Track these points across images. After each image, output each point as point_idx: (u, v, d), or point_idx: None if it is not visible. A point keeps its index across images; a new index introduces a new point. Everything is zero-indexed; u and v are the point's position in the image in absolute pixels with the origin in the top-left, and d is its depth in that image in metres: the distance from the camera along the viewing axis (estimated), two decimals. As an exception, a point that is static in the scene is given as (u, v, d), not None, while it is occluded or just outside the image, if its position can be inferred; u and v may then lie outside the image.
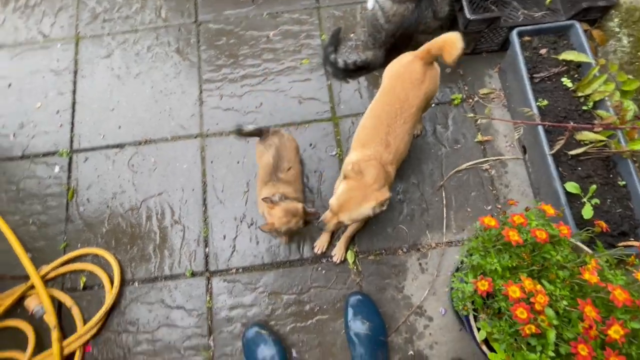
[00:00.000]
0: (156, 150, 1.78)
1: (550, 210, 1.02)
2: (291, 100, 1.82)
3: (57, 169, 1.78)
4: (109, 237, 1.68)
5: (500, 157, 1.69)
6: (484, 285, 0.99)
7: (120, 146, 1.80)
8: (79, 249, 1.65)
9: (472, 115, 1.75)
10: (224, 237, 1.65)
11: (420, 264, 1.57)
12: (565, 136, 1.35)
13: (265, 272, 1.59)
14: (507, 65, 1.72)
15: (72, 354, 1.51)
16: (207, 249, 1.64)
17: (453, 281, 1.13)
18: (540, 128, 1.41)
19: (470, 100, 1.79)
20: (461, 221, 1.61)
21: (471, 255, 1.08)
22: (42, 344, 1.53)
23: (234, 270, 1.60)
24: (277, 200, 1.31)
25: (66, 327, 1.56)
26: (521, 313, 0.92)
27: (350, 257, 1.56)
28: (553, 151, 1.37)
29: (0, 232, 1.67)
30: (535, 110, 1.43)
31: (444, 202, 1.64)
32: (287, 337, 1.51)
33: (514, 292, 0.93)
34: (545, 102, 1.47)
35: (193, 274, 1.60)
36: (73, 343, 1.51)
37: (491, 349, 1.07)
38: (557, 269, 0.99)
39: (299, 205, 1.33)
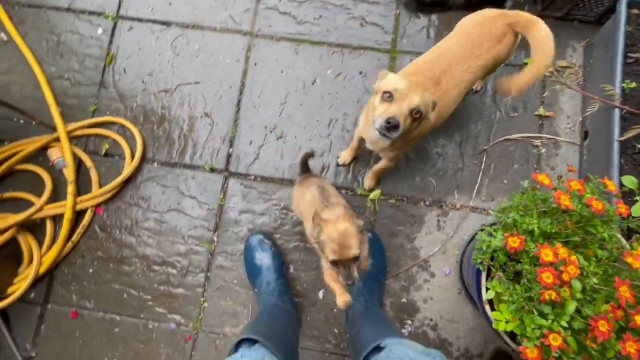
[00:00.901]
0: (202, 38, 1.70)
1: (612, 186, 0.93)
2: (352, 21, 1.69)
3: (100, 30, 1.73)
4: (138, 112, 1.65)
5: (556, 138, 1.56)
6: (515, 242, 0.93)
7: (167, 24, 1.72)
8: (108, 116, 1.64)
9: (554, 78, 1.60)
10: (250, 142, 1.61)
11: (438, 221, 1.52)
12: (642, 126, 1.22)
13: (283, 187, 1.57)
14: (599, 40, 1.53)
15: (83, 212, 1.56)
16: (231, 149, 1.61)
17: (479, 234, 1.08)
18: (617, 111, 1.27)
19: (544, 70, 1.62)
20: (494, 191, 1.53)
21: (506, 213, 1.02)
22: (57, 195, 1.57)
23: (252, 177, 1.58)
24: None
25: (82, 187, 1.59)
26: (547, 277, 0.87)
27: (374, 195, 1.51)
28: (623, 137, 1.24)
29: (35, 80, 1.66)
30: (618, 91, 1.28)
31: (482, 167, 1.55)
32: (288, 253, 1.52)
33: (547, 255, 0.88)
34: (633, 85, 1.31)
35: (212, 170, 1.59)
36: (86, 202, 1.55)
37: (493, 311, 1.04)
38: (597, 247, 0.93)
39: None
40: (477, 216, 1.52)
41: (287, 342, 1.11)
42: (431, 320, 1.47)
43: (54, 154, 1.58)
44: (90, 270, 1.54)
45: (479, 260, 1.06)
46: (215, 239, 1.54)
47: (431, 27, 1.67)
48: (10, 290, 1.46)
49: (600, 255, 0.91)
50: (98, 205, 1.57)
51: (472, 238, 1.47)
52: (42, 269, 1.47)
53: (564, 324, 0.86)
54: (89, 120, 1.63)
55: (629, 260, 0.86)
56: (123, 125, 1.63)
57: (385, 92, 1.02)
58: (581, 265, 0.89)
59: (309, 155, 1.32)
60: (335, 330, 1.46)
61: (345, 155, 1.54)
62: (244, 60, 1.67)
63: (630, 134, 1.24)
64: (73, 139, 1.63)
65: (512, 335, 1.07)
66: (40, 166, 1.59)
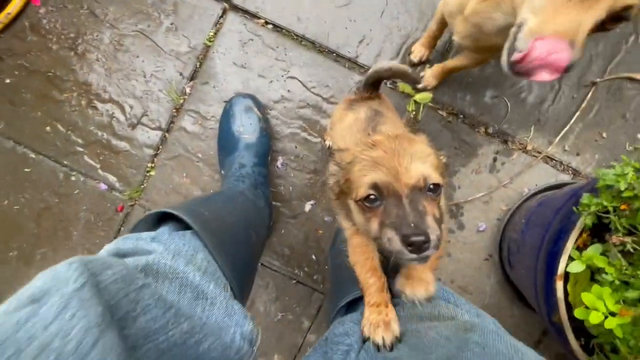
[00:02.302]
0: None
1: None
2: None
3: None
4: None
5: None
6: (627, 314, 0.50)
7: None
8: None
9: None
10: (276, -28, 1.09)
11: (495, 159, 1.09)
12: None
13: (299, 47, 1.09)
14: None
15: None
16: (244, -28, 1.09)
17: (600, 171, 0.64)
18: None
19: None
20: (584, 143, 1.09)
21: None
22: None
23: (262, 21, 1.09)
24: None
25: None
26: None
27: (422, 97, 1.04)
28: None
29: None
30: None
31: (582, 105, 1.08)
32: (281, 140, 1.09)
33: None
34: None
35: (208, -7, 1.09)
36: (17, -20, 1.05)
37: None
38: None
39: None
40: (549, 169, 1.08)
41: (241, 246, 0.72)
42: (439, 280, 1.10)
43: None
44: (8, 81, 1.09)
45: (586, 210, 0.64)
46: (188, 90, 1.09)
47: None
48: None
49: None
50: (34, -8, 1.08)
51: (534, 194, 1.05)
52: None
53: None
54: None
55: None
56: None
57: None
58: None
59: (399, 72, 0.80)
60: (313, 257, 1.09)
61: (421, 48, 1.05)
62: None
63: None
64: None
65: (583, 333, 0.69)
66: None
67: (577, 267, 0.66)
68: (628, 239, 0.59)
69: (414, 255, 0.48)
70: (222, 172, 1.02)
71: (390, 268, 0.65)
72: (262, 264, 1.09)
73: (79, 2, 1.09)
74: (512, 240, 0.99)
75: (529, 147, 1.08)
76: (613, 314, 0.57)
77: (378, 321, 0.59)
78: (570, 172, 1.08)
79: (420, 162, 0.54)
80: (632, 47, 1.09)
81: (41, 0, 1.09)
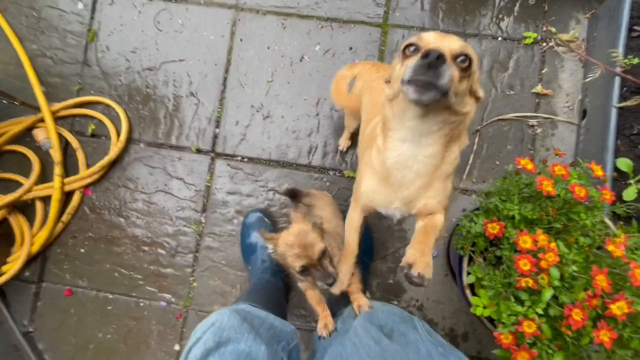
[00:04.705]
0: (186, 12, 1.63)
1: (599, 171, 0.89)
2: (343, -8, 1.59)
3: (80, 5, 1.66)
4: (123, 91, 1.62)
5: (553, 117, 1.50)
6: (494, 229, 0.91)
7: (149, -3, 1.65)
8: (92, 95, 1.61)
9: (559, 47, 1.52)
10: (237, 122, 1.57)
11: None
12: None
13: (270, 168, 1.55)
14: (605, 12, 1.43)
15: (72, 193, 1.56)
16: (217, 130, 1.58)
17: (461, 219, 1.05)
18: (617, 79, 1.20)
19: (544, 45, 1.54)
20: (485, 172, 1.49)
21: (489, 198, 0.99)
22: (45, 176, 1.57)
23: (239, 158, 1.56)
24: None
25: (69, 167, 1.58)
26: (524, 265, 0.85)
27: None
28: (621, 104, 1.18)
29: (17, 58, 1.62)
30: (622, 55, 1.21)
31: (474, 148, 1.50)
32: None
33: (525, 242, 0.85)
34: (636, 61, 1.24)
35: (199, 151, 1.57)
36: (74, 183, 1.55)
37: (474, 295, 1.04)
38: (580, 234, 0.90)
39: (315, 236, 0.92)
40: (467, 198, 1.49)
41: (281, 316, 1.12)
42: (417, 301, 1.47)
43: (39, 134, 1.57)
44: (82, 250, 1.56)
45: (459, 246, 1.05)
46: (203, 220, 1.54)
47: (426, -2, 1.58)
48: (4, 269, 1.49)
49: (582, 242, 0.88)
50: (86, 187, 1.57)
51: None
52: (34, 249, 1.50)
53: (540, 311, 0.85)
54: (74, 100, 1.60)
55: (610, 248, 0.83)
56: (108, 104, 1.60)
57: (408, 46, 0.70)
58: (561, 253, 0.87)
59: (290, 192, 1.27)
60: (322, 310, 1.48)
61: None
62: (229, 36, 1.61)
63: (629, 102, 1.18)
64: (58, 119, 1.61)
65: (492, 319, 1.07)
66: (27, 147, 1.59)
67: (470, 280, 1.05)
68: (481, 260, 0.99)
69: (330, 281, 0.91)
70: (249, 267, 1.44)
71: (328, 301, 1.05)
72: (288, 326, 1.48)
73: (116, 184, 1.58)
74: (452, 261, 1.38)
75: (448, 187, 1.50)
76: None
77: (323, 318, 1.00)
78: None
79: (314, 238, 0.88)
80: (495, 97, 1.52)
81: (91, 190, 1.58)
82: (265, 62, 1.58)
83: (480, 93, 0.77)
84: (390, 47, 1.57)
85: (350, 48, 1.57)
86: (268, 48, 1.59)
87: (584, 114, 1.45)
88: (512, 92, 1.52)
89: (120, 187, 1.58)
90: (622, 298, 0.79)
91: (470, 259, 1.09)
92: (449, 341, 1.49)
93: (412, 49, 0.69)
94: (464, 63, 0.67)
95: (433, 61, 0.61)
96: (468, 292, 1.09)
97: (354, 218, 0.98)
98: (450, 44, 0.67)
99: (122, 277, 1.54)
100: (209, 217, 1.54)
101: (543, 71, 1.52)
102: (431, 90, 0.63)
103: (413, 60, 0.64)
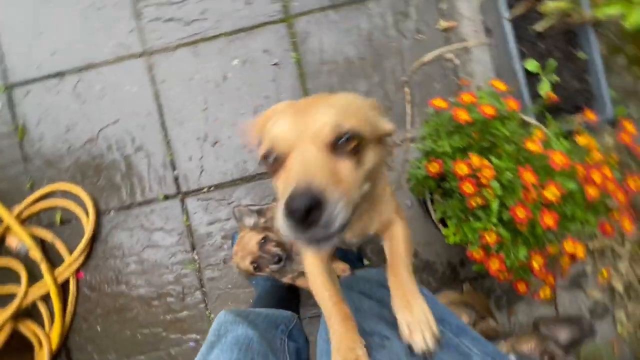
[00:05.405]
0: (100, 75, 1.65)
1: (501, 86, 1.01)
2: (238, 2, 1.64)
3: (-2, 106, 1.66)
4: (74, 171, 1.65)
5: (465, 44, 1.61)
6: (434, 167, 1.02)
7: (59, 75, 1.66)
8: (46, 187, 1.63)
9: (435, -1, 1.61)
10: (190, 158, 1.63)
11: (386, 162, 1.60)
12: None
13: (237, 187, 1.62)
14: None
15: (67, 282, 1.61)
16: (175, 172, 1.63)
17: (409, 169, 1.16)
18: None
19: (434, -18, 1.63)
20: (425, 116, 1.60)
21: (424, 140, 1.10)
22: (34, 276, 1.61)
23: (205, 189, 1.63)
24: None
25: (54, 259, 1.62)
26: (467, 188, 0.97)
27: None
28: (512, 17, 1.29)
29: (-41, 179, 1.63)
30: None
31: (408, 97, 1.60)
32: (265, 243, 1.61)
33: (461, 169, 0.97)
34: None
35: (166, 197, 1.63)
36: (64, 272, 1.59)
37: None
38: (505, 143, 1.02)
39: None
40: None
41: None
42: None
43: (12, 242, 1.59)
44: (98, 328, 1.62)
45: (416, 192, 1.16)
46: (196, 257, 1.62)
47: (314, -21, 1.64)
48: (34, 375, 1.54)
49: (508, 150, 1.00)
50: (77, 271, 1.62)
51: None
52: (54, 346, 1.55)
53: (494, 220, 0.98)
54: (31, 198, 1.62)
55: (529, 146, 0.96)
56: (65, 190, 1.63)
57: (264, 157, 0.55)
58: (495, 166, 0.99)
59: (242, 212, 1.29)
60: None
61: None
62: (150, 83, 1.64)
63: (517, 11, 1.29)
64: (24, 220, 1.63)
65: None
66: (6, 257, 1.61)
67: (438, 216, 1.17)
68: (437, 196, 1.10)
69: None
70: (253, 282, 1.53)
71: None
72: (307, 317, 1.59)
73: (104, 257, 1.63)
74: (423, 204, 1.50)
75: (398, 142, 1.61)
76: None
77: None
78: (430, 137, 1.59)
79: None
80: (408, 45, 1.62)
81: (83, 272, 1.63)
82: (194, 93, 1.63)
83: (389, 128, 0.62)
84: (301, 36, 1.63)
85: (265, 51, 1.63)
86: (191, 79, 1.64)
87: (488, 32, 1.57)
88: (421, 35, 1.62)
89: (109, 258, 1.63)
90: (551, 184, 0.91)
91: (433, 200, 1.21)
92: (450, 273, 1.64)
93: (271, 159, 0.53)
94: (350, 143, 0.49)
95: (304, 218, 0.41)
96: (440, 226, 1.21)
97: (313, 262, 0.78)
98: (316, 127, 0.49)
99: (145, 337, 1.62)
100: (200, 252, 1.62)
101: (442, 7, 1.62)
102: (325, 242, 0.45)
103: (282, 193, 0.46)
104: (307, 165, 0.46)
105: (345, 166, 0.48)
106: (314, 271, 0.74)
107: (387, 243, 0.82)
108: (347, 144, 0.49)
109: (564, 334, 1.13)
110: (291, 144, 0.49)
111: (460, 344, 0.64)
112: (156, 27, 1.65)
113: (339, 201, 0.43)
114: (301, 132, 0.49)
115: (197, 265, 1.62)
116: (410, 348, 0.60)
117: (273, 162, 0.52)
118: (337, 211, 0.42)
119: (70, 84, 1.65)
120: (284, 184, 0.48)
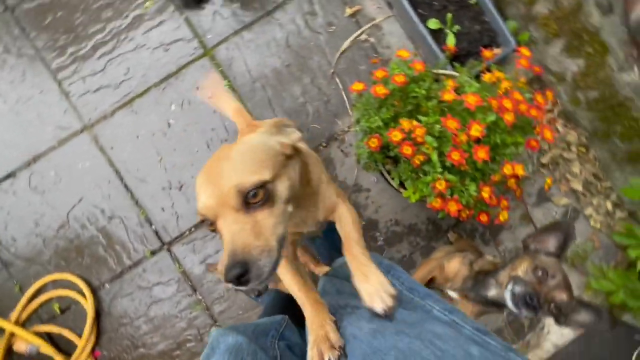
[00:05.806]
0: (50, 162, 1.68)
1: (405, 54, 1.12)
2: (156, 52, 1.70)
3: (-40, 226, 1.67)
4: (56, 259, 1.67)
5: (374, 22, 1.72)
6: (374, 143, 1.12)
7: (11, 175, 1.68)
8: (35, 284, 1.65)
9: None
10: (163, 209, 1.68)
11: (341, 150, 1.70)
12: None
13: (215, 220, 1.68)
14: None
15: (86, 365, 1.63)
16: (153, 227, 1.68)
17: (355, 151, 1.26)
18: None
19: (328, -24, 1.74)
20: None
21: (359, 122, 1.20)
22: (53, 371, 1.63)
23: (187, 232, 1.68)
24: None
25: (67, 348, 1.64)
26: (407, 150, 1.07)
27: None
28: None
29: (-54, 307, 1.63)
30: None
31: (341, 87, 1.71)
32: (259, 261, 1.68)
33: (396, 136, 1.07)
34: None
35: (153, 253, 1.67)
36: (80, 356, 1.61)
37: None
38: (426, 101, 1.13)
39: None
40: (365, 124, 1.71)
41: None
42: (391, 220, 1.71)
43: (20, 346, 1.61)
44: (131, 397, 1.66)
45: (368, 168, 1.26)
46: (200, 296, 1.67)
47: (219, 8, 1.71)
48: None
49: (430, 105, 1.12)
50: (93, 351, 1.64)
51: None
52: None
53: (439, 169, 1.09)
54: (24, 299, 1.63)
55: (445, 97, 1.07)
56: (54, 280, 1.65)
57: (202, 222, 0.64)
58: (424, 123, 1.10)
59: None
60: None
61: None
62: (100, 153, 1.68)
63: None
64: (24, 323, 1.65)
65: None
66: (20, 363, 1.63)
67: (396, 183, 1.27)
68: (389, 166, 1.20)
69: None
70: (259, 300, 1.60)
71: None
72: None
73: (114, 329, 1.66)
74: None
75: (346, 128, 1.70)
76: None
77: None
78: (372, 114, 1.70)
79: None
80: (325, 40, 1.72)
81: (98, 349, 1.66)
82: (145, 148, 1.68)
83: (294, 138, 0.70)
84: (226, 63, 1.71)
85: (197, 87, 1.70)
86: (137, 137, 1.69)
87: (389, 5, 1.68)
88: (333, 27, 1.72)
89: (119, 328, 1.67)
90: (473, 123, 1.03)
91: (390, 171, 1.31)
92: (432, 228, 1.75)
93: (207, 223, 0.62)
94: (258, 195, 0.55)
95: (239, 282, 0.53)
96: (403, 190, 1.32)
97: (281, 264, 0.81)
98: (224, 194, 0.56)
99: (179, 387, 1.66)
100: (202, 291, 1.67)
101: (341, -4, 1.73)
102: (261, 286, 0.61)
103: (222, 268, 0.55)
104: (231, 234, 0.55)
105: (262, 215, 0.57)
106: (282, 270, 0.84)
107: (337, 225, 0.89)
108: (255, 197, 0.56)
109: (551, 242, 1.17)
110: (215, 212, 0.58)
111: (425, 304, 0.74)
112: (88, 100, 1.69)
113: (261, 257, 0.53)
114: (217, 198, 0.57)
115: (204, 304, 1.67)
116: (373, 311, 0.69)
117: (210, 225, 0.62)
118: (262, 265, 0.53)
119: (24, 180, 1.67)
120: (223, 250, 0.58)
